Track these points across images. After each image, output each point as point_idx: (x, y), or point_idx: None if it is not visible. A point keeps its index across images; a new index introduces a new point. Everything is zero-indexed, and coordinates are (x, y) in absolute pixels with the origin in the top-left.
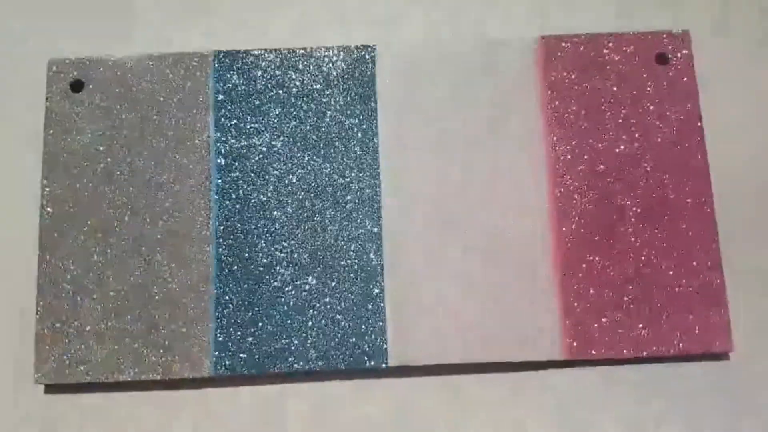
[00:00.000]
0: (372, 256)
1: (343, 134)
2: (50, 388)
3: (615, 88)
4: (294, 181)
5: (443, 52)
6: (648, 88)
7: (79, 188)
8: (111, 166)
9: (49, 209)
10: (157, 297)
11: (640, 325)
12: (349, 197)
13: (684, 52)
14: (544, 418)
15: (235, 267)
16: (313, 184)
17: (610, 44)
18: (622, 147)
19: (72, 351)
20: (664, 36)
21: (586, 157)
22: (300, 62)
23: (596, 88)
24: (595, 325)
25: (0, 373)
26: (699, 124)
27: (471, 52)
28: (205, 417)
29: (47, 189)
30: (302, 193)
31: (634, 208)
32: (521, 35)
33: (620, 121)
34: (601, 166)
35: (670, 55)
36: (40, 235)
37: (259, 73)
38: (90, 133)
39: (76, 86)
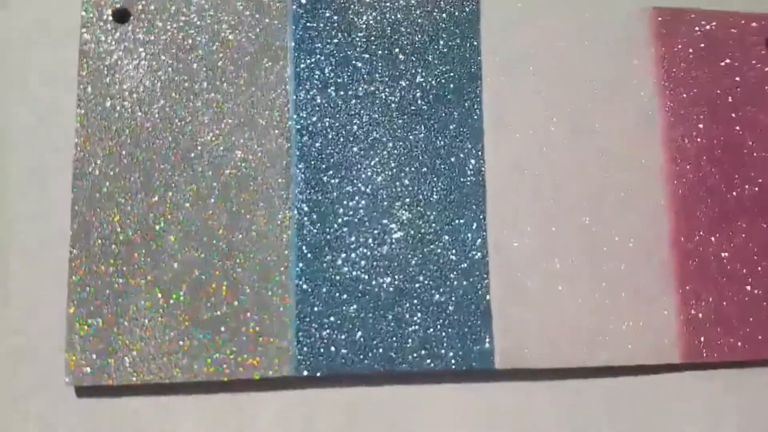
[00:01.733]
0: (475, 248)
1: (443, 99)
2: (83, 391)
3: (727, 68)
4: (385, 152)
5: (550, 19)
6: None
7: (122, 144)
8: (162, 118)
9: (86, 167)
10: (227, 283)
11: (764, 326)
12: (448, 174)
13: None
14: (660, 425)
15: (319, 253)
16: (405, 159)
17: (727, 21)
18: (738, 131)
19: (113, 346)
20: None
21: (704, 141)
22: (393, 9)
23: (711, 67)
24: (716, 327)
25: (27, 373)
26: None
27: (580, 15)
28: (285, 424)
29: (82, 148)
30: (393, 165)
31: (752, 199)
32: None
33: (733, 101)
34: (719, 151)
35: None
36: (73, 208)
37: (347, 16)
38: (135, 75)
39: (121, 16)
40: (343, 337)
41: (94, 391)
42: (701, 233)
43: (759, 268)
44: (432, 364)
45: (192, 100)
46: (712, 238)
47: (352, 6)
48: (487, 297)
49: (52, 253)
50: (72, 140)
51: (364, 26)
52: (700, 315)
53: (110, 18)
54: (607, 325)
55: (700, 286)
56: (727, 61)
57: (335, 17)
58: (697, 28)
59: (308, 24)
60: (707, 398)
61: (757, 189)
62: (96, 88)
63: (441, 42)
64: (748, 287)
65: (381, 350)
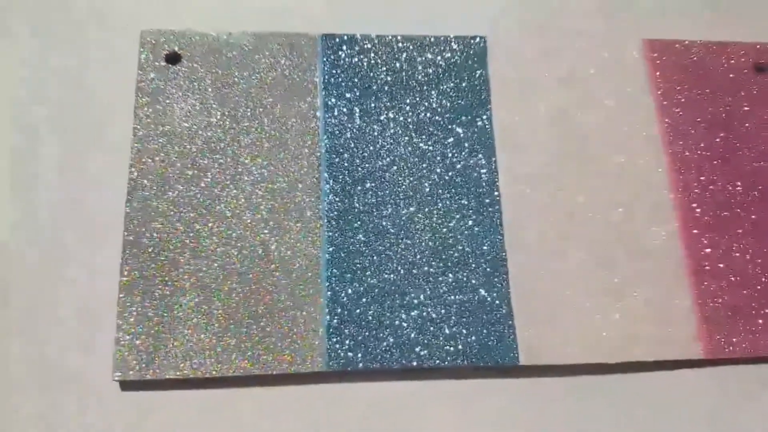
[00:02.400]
0: (495, 248)
1: (457, 120)
2: (127, 385)
3: (718, 90)
4: (406, 168)
5: (548, 45)
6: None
7: (171, 170)
8: (207, 149)
9: (139, 189)
10: (262, 285)
11: None
12: (463, 186)
13: None
14: (681, 422)
15: (348, 258)
16: (425, 173)
17: (714, 50)
18: (735, 143)
19: (157, 343)
20: (758, 45)
21: (703, 152)
22: (409, 49)
23: (703, 90)
24: (737, 320)
25: (72, 367)
26: None
27: (578, 46)
28: (315, 416)
29: (136, 168)
30: (416, 180)
31: (756, 203)
32: (623, 36)
33: (726, 118)
34: (719, 161)
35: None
36: (127, 217)
37: (368, 58)
38: (185, 107)
39: (173, 58)
40: (371, 335)
41: (138, 385)
42: (710, 234)
43: None
44: (458, 361)
45: (234, 127)
46: (719, 237)
47: (372, 48)
48: (509, 296)
49: (105, 258)
50: (127, 161)
51: (382, 64)
52: (719, 311)
53: (163, 60)
54: (628, 323)
55: (715, 284)
56: (718, 84)
57: (357, 57)
58: (686, 59)
59: (335, 63)
60: (730, 394)
61: (757, 194)
62: (150, 117)
63: (453, 74)
64: (762, 281)
65: (407, 347)
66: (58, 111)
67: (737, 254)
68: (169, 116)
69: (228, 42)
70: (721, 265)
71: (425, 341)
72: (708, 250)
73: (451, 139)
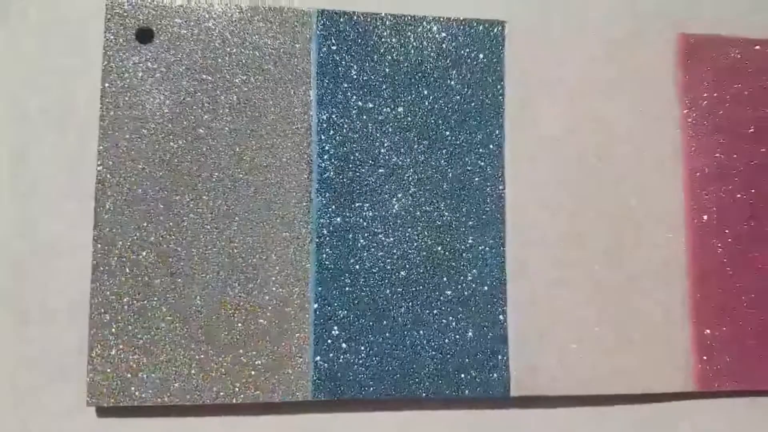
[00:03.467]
0: (495, 271)
1: (465, 124)
2: (104, 412)
3: (749, 97)
4: (405, 177)
5: (576, 44)
6: None
7: (143, 167)
8: (185, 139)
9: (108, 191)
10: (246, 306)
11: None
12: (468, 201)
13: None
14: None
15: (339, 277)
16: (427, 180)
17: (752, 49)
18: (757, 163)
19: (134, 367)
20: None
21: (723, 171)
22: (417, 31)
23: (733, 96)
24: (732, 355)
25: (46, 393)
26: None
27: (602, 37)
28: None
29: (104, 170)
30: (413, 190)
31: None
32: (656, 29)
33: (754, 132)
34: (737, 181)
35: None
36: (95, 231)
37: (370, 41)
38: (159, 95)
39: (144, 35)
40: (359, 361)
41: (114, 412)
42: (718, 262)
43: None
44: (447, 391)
45: (214, 122)
46: (728, 268)
47: (375, 30)
48: (505, 324)
49: (73, 275)
50: (94, 162)
51: (386, 50)
52: (716, 343)
53: (133, 38)
54: (623, 354)
55: (716, 315)
56: (750, 89)
57: (359, 40)
58: (722, 56)
59: (331, 47)
60: (722, 428)
61: None
62: (119, 109)
63: (464, 67)
64: (765, 317)
65: (397, 376)
66: (11, 100)
67: (741, 286)
68: (139, 108)
69: (208, 17)
70: (725, 297)
71: (416, 370)
72: (712, 281)
73: (456, 147)
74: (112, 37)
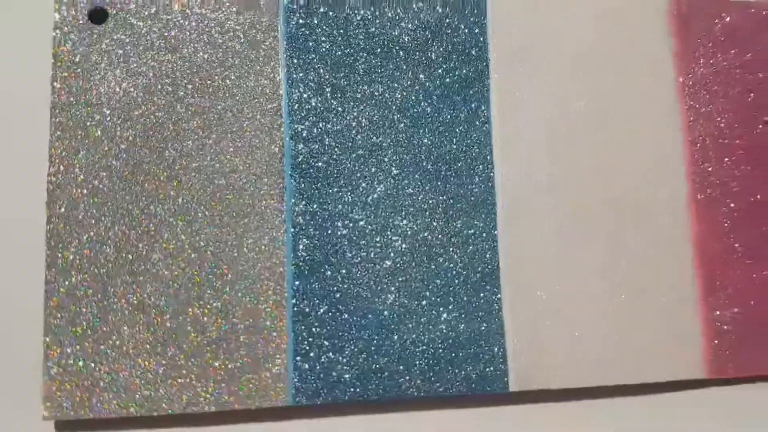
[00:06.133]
0: (486, 257)
1: (448, 100)
2: (63, 425)
3: (748, 63)
4: (386, 158)
5: (563, 10)
6: None
7: (99, 157)
8: (143, 126)
9: (61, 184)
10: (216, 305)
11: None
12: (456, 187)
13: None
14: None
15: (318, 273)
16: (410, 161)
17: (748, 12)
18: (760, 129)
19: (95, 376)
20: None
21: (725, 141)
22: (392, 5)
23: (731, 62)
24: (745, 339)
25: (2, 407)
26: None
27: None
28: None
29: (57, 161)
30: (396, 172)
31: None
32: None
33: (754, 99)
34: (741, 152)
35: None
36: (48, 227)
37: (344, 20)
38: (113, 80)
39: (97, 16)
40: (344, 361)
41: (74, 426)
42: (725, 240)
43: None
44: (441, 389)
45: (175, 105)
46: (737, 245)
47: (348, 8)
48: (500, 314)
49: (25, 276)
50: (45, 153)
51: (361, 22)
52: (727, 327)
53: (86, 19)
54: (628, 342)
55: (726, 297)
56: (749, 55)
57: (330, 13)
58: (716, 20)
59: (301, 21)
60: (735, 416)
61: None
62: (72, 95)
63: (445, 37)
64: None
65: (386, 374)
66: None
67: (752, 264)
68: (93, 93)
69: None
70: (735, 278)
71: (405, 368)
72: (721, 260)
73: (439, 124)
74: (62, 18)
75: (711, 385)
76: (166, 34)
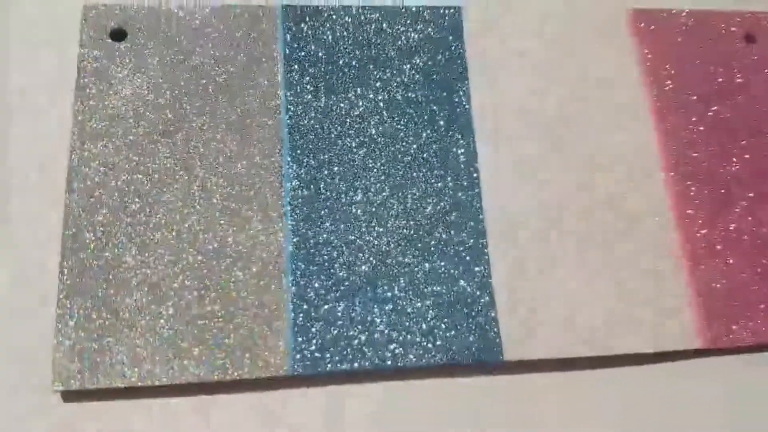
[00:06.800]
0: (473, 236)
1: (431, 97)
2: (71, 395)
3: (709, 63)
4: (377, 149)
5: (527, 17)
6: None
7: (115, 151)
8: (156, 132)
9: (79, 175)
10: (218, 281)
11: None
12: (440, 166)
13: None
14: (678, 419)
15: (314, 249)
16: (398, 155)
17: (705, 19)
18: (728, 116)
19: (101, 351)
20: (748, 14)
21: (695, 127)
22: (378, 21)
23: (693, 62)
24: (737, 306)
25: (13, 376)
26: None
27: (561, 18)
28: (280, 426)
29: (78, 154)
30: (388, 162)
31: (751, 178)
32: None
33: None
34: (712, 135)
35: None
36: (66, 209)
37: (334, 30)
38: (133, 90)
39: (117, 35)
40: (340, 333)
41: (82, 395)
42: (706, 214)
43: None
44: (435, 358)
45: (186, 107)
46: (715, 217)
47: (338, 18)
48: (490, 281)
49: (42, 255)
50: (67, 147)
51: (349, 35)
52: (717, 298)
53: (108, 37)
54: (619, 312)
55: (713, 268)
56: (709, 55)
57: (322, 27)
58: (675, 29)
59: (297, 35)
60: (729, 386)
61: (754, 169)
62: (93, 98)
63: (426, 48)
64: (763, 263)
65: (381, 345)
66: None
67: (734, 235)
68: (113, 97)
69: (178, 15)
70: (719, 247)
71: (400, 338)
72: (704, 231)
73: (425, 118)
74: (87, 36)
75: (701, 355)
76: (177, 47)
